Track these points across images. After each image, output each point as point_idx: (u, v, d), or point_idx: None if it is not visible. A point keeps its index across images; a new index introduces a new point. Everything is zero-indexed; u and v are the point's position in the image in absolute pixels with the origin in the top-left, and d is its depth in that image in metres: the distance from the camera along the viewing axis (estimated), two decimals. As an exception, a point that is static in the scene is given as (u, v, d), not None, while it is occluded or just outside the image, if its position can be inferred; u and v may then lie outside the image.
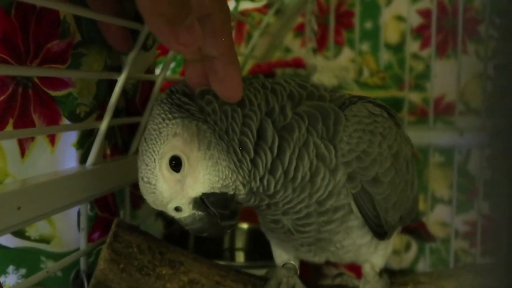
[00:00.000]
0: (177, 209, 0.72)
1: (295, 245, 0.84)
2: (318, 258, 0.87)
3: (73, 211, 0.88)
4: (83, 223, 0.89)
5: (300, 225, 0.78)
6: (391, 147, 0.78)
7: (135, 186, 1.13)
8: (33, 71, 0.79)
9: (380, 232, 0.81)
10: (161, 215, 1.36)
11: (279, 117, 0.73)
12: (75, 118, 0.87)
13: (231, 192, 0.72)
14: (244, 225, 1.46)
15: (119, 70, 0.88)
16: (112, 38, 0.88)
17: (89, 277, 0.88)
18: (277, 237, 0.88)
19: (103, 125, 0.86)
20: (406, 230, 1.06)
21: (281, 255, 0.91)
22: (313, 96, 0.76)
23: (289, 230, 0.80)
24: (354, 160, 0.74)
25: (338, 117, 0.75)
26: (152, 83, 1.03)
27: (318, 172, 0.74)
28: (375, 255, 0.86)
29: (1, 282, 0.80)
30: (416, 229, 1.09)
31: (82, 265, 0.90)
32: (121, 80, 0.86)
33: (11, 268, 0.81)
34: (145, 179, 0.71)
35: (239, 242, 1.46)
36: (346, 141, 0.74)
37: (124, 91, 0.99)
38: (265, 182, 0.72)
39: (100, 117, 0.90)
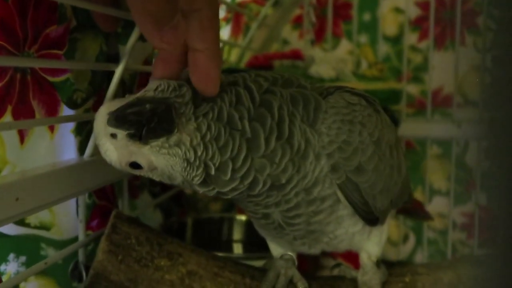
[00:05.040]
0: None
1: (289, 240, 0.85)
2: (313, 250, 0.88)
3: (72, 199, 0.88)
4: (81, 215, 0.89)
5: (290, 217, 0.78)
6: (372, 134, 0.78)
7: (133, 175, 1.14)
8: (31, 62, 0.79)
9: (371, 219, 0.81)
10: (160, 206, 1.36)
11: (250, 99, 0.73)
12: (72, 104, 0.87)
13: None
14: (242, 217, 1.46)
15: (116, 58, 0.88)
16: (97, 17, 0.88)
17: (87, 268, 0.88)
18: (269, 234, 0.88)
19: (101, 117, 0.86)
20: (403, 211, 1.06)
21: (276, 248, 0.91)
22: (292, 83, 0.77)
23: (279, 225, 0.80)
24: (336, 151, 0.74)
25: (319, 103, 0.76)
26: (149, 74, 1.02)
27: (307, 156, 0.74)
28: (370, 243, 0.86)
29: (2, 270, 0.80)
30: (412, 209, 1.10)
31: (81, 257, 0.90)
32: (118, 71, 0.86)
33: (11, 256, 0.81)
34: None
35: (237, 234, 1.47)
36: (326, 133, 0.74)
37: (122, 81, 0.99)
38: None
39: (96, 104, 0.90)
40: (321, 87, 0.80)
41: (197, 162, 0.70)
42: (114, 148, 0.69)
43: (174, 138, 0.68)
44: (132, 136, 0.67)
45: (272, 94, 0.73)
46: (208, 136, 0.69)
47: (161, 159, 0.69)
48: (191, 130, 0.69)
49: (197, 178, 0.71)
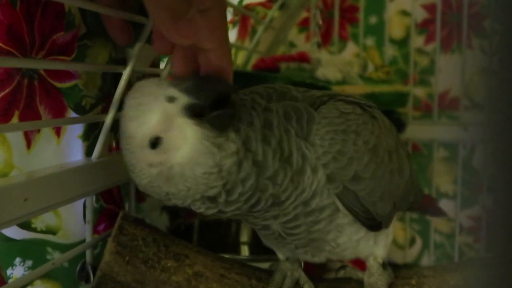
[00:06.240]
0: None
1: (291, 249, 0.84)
2: (317, 258, 0.87)
3: (79, 203, 0.89)
4: (89, 216, 0.90)
5: (290, 228, 0.78)
6: (367, 142, 0.77)
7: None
8: (38, 64, 0.79)
9: (373, 225, 0.81)
10: (166, 209, 1.36)
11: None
12: (80, 110, 0.87)
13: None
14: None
15: (124, 62, 0.89)
16: (112, 30, 0.88)
17: (94, 269, 0.88)
18: (272, 243, 0.88)
19: (109, 118, 0.86)
20: (415, 209, 1.05)
21: (281, 253, 0.91)
22: (285, 96, 0.76)
23: (280, 235, 0.80)
24: (331, 162, 0.74)
25: (311, 115, 0.75)
26: (157, 77, 1.03)
27: (305, 171, 0.73)
28: (377, 247, 0.86)
29: (8, 274, 0.81)
30: (424, 207, 1.08)
31: (88, 258, 0.91)
32: (126, 73, 0.86)
33: (17, 260, 0.82)
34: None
35: (244, 236, 1.47)
36: (319, 144, 0.74)
37: (129, 84, 0.99)
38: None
39: (105, 109, 0.90)
40: (313, 95, 0.79)
41: (223, 172, 0.68)
42: (159, 111, 0.64)
43: (221, 139, 0.67)
44: (190, 109, 0.64)
45: (270, 112, 0.72)
46: (244, 151, 0.68)
47: (194, 150, 0.65)
48: (233, 138, 0.68)
49: (214, 190, 0.69)
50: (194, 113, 0.64)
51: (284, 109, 0.73)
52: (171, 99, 0.64)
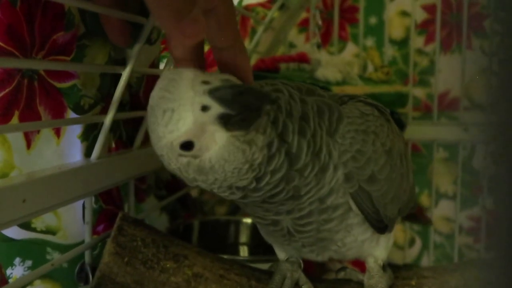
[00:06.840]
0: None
1: (297, 247, 0.84)
2: (321, 257, 0.87)
3: (78, 203, 0.89)
4: (88, 217, 0.90)
5: (301, 224, 0.78)
6: (384, 144, 0.78)
7: (140, 180, 1.14)
8: (39, 64, 0.79)
9: (380, 227, 0.81)
10: (166, 209, 1.36)
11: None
12: (79, 110, 0.87)
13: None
14: (249, 220, 1.46)
15: (123, 63, 0.89)
16: (111, 31, 0.88)
17: (93, 270, 0.88)
18: (276, 241, 0.88)
19: (108, 119, 0.86)
20: (408, 217, 1.05)
21: (282, 252, 0.91)
22: (313, 93, 0.76)
23: (289, 231, 0.80)
24: (350, 161, 0.74)
25: (341, 114, 0.76)
26: (156, 77, 1.02)
27: (328, 168, 0.74)
28: (378, 248, 0.86)
29: (8, 274, 0.80)
30: (412, 214, 1.09)
31: (87, 258, 0.90)
32: (125, 74, 0.86)
33: (17, 260, 0.82)
34: None
35: (243, 237, 1.46)
36: (340, 143, 0.74)
37: (128, 85, 0.99)
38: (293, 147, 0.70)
39: (104, 110, 0.90)
40: (335, 95, 0.80)
41: (254, 166, 0.67)
42: (193, 121, 0.62)
43: (250, 135, 0.65)
44: (222, 118, 0.62)
45: (306, 105, 0.72)
46: (278, 142, 0.68)
47: (224, 151, 0.65)
48: (262, 129, 0.67)
49: (244, 181, 0.68)
50: (225, 121, 0.63)
51: (317, 104, 0.74)
52: (205, 108, 0.62)
